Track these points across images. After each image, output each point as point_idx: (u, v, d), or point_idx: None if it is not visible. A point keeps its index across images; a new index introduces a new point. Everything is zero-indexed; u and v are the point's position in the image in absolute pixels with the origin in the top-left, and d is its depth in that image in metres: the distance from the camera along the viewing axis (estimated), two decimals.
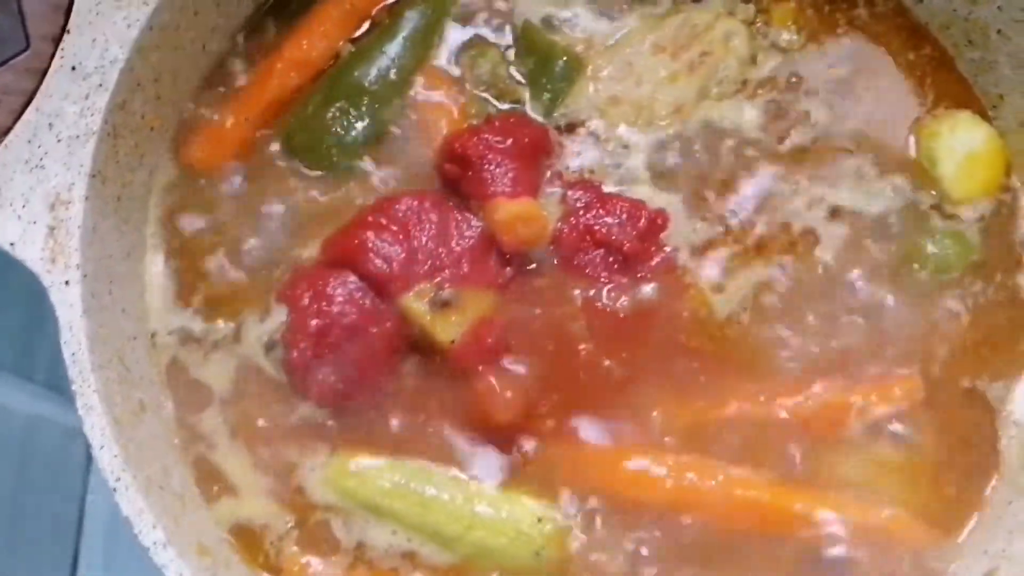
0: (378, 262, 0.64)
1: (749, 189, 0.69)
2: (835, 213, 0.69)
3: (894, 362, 0.66)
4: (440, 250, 0.65)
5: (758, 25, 0.71)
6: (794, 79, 0.71)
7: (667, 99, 0.70)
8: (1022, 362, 0.67)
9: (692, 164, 0.69)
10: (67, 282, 0.60)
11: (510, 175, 0.66)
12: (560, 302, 0.66)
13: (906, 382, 0.66)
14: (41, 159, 0.61)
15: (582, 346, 0.66)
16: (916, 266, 0.68)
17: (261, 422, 0.65)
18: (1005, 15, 0.67)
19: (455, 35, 0.71)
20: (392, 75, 0.69)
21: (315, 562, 0.64)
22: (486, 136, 0.66)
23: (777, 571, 0.63)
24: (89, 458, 0.89)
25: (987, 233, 0.69)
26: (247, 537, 0.64)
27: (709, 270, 0.67)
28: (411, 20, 0.70)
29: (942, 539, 0.64)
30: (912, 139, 0.70)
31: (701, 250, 0.67)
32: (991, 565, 0.62)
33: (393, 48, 0.69)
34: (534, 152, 0.68)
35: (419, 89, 0.69)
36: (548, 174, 0.69)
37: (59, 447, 0.88)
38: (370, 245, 0.64)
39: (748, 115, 0.70)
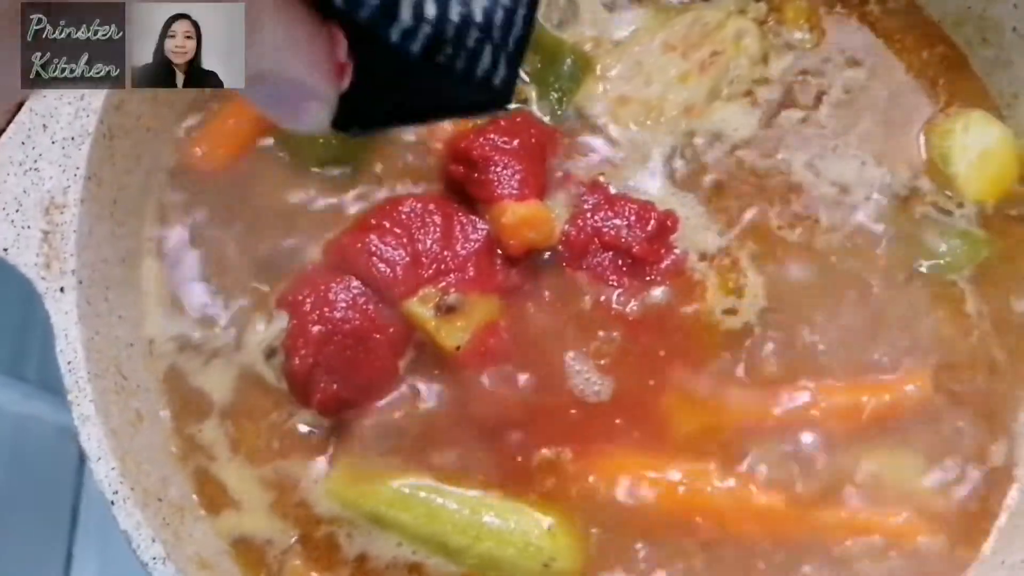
0: (381, 266, 0.62)
1: (760, 187, 0.68)
2: (843, 210, 0.67)
3: (905, 363, 0.65)
4: (445, 253, 0.63)
5: (770, 23, 0.70)
6: (806, 78, 0.70)
7: (677, 99, 0.69)
8: None
9: (702, 164, 0.68)
10: (62, 289, 0.58)
11: (517, 177, 0.64)
12: (568, 306, 0.65)
13: (917, 383, 0.64)
14: (35, 161, 0.59)
15: (591, 350, 0.64)
16: (926, 264, 0.67)
17: (262, 433, 0.63)
18: (1021, 12, 0.66)
19: None
20: None
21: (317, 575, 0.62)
22: (492, 136, 0.65)
23: None
24: (82, 458, 0.88)
25: (999, 232, 0.68)
26: (249, 552, 0.62)
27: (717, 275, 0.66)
28: None
29: (959, 548, 0.63)
30: (924, 138, 0.69)
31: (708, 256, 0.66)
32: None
33: None
34: (541, 153, 0.66)
35: None
36: (555, 175, 0.67)
37: (51, 446, 0.86)
38: (373, 248, 0.63)
39: (759, 115, 0.69)
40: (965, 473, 0.64)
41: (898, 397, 0.64)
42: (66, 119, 0.59)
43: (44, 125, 0.59)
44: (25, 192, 0.59)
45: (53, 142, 0.59)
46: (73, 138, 0.59)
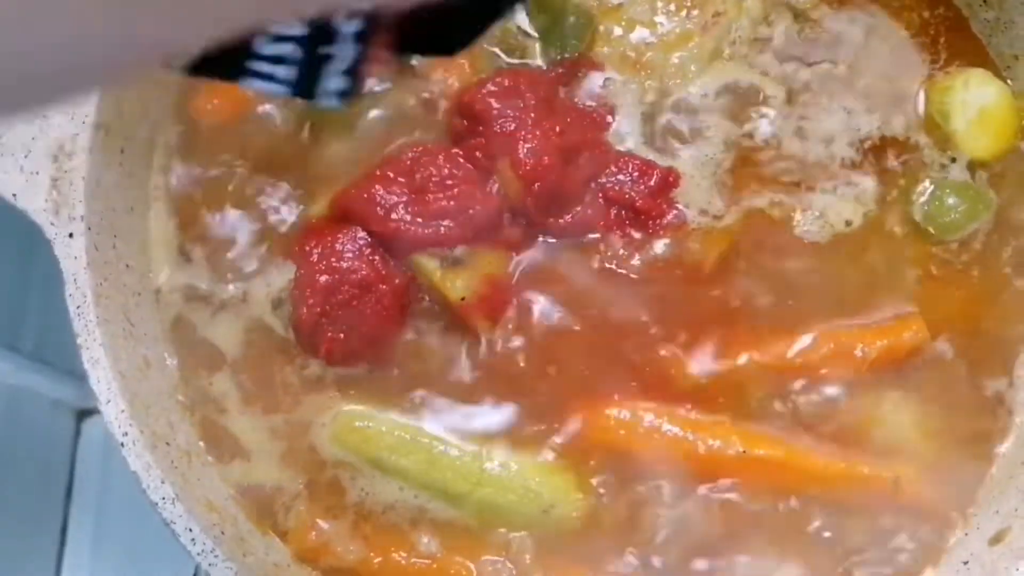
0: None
1: (758, 146, 0.68)
2: (844, 165, 0.68)
3: (902, 314, 0.66)
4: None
5: None
6: (807, 38, 0.70)
7: (679, 59, 0.69)
8: None
9: (702, 123, 0.69)
10: (71, 234, 0.59)
11: (521, 131, 0.64)
12: (572, 259, 0.65)
13: (912, 330, 0.65)
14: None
15: (594, 303, 0.65)
16: (926, 219, 0.67)
17: (272, 383, 0.64)
18: None
19: None
20: None
21: (321, 520, 0.63)
22: (495, 91, 0.65)
23: (788, 528, 0.63)
24: (77, 431, 0.89)
25: (996, 191, 0.68)
26: (257, 499, 0.63)
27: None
28: None
29: (953, 496, 0.64)
30: (923, 95, 0.69)
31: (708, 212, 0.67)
32: (1003, 524, 0.62)
33: None
34: (545, 107, 0.66)
35: None
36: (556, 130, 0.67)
37: (46, 419, 0.86)
38: (379, 199, 0.63)
39: (760, 76, 0.70)
40: (960, 421, 0.65)
41: (895, 344, 0.65)
42: None
43: None
44: (33, 139, 0.59)
45: None
46: None
